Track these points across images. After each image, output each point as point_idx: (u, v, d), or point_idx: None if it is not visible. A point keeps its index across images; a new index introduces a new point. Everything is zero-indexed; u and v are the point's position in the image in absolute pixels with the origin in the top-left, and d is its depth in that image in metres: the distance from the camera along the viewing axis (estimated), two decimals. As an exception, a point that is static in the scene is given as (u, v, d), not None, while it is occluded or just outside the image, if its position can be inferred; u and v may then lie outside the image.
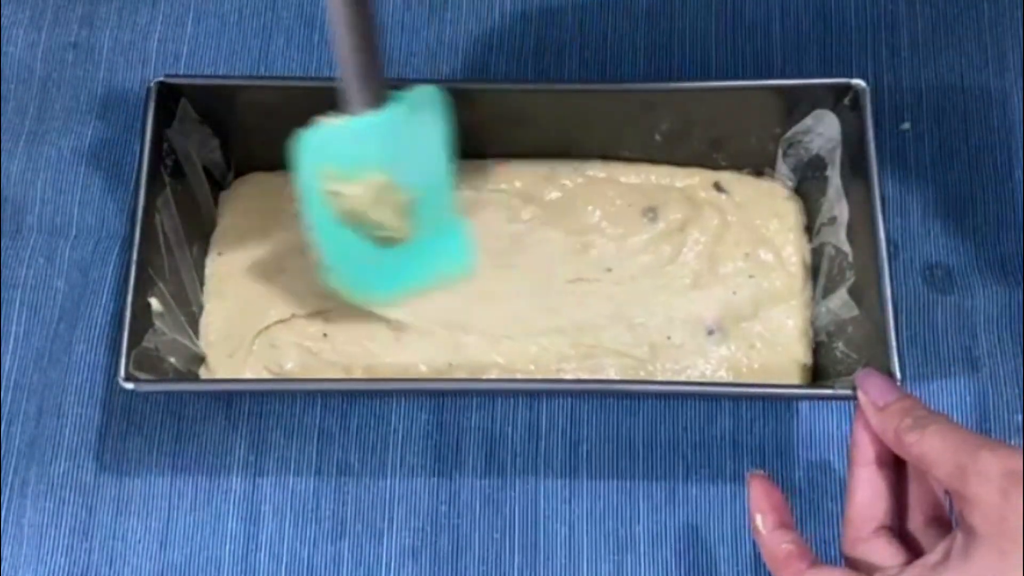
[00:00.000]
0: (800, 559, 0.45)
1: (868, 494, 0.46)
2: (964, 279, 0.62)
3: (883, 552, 0.45)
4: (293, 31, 0.68)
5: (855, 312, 0.55)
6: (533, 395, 0.60)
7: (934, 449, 0.42)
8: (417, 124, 0.51)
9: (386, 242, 0.53)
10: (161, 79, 0.55)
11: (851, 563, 0.46)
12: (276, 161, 0.62)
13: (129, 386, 0.51)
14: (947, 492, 0.46)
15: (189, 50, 0.67)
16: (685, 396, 0.60)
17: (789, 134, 0.60)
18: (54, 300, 0.61)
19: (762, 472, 0.49)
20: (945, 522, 0.46)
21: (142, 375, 0.52)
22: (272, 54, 0.67)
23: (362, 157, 0.50)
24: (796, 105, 0.58)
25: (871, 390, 0.47)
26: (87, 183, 0.64)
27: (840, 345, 0.56)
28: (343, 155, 0.50)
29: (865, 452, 0.47)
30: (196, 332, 0.59)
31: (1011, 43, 0.67)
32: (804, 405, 0.60)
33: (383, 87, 0.49)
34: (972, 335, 0.61)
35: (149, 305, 0.54)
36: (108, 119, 0.66)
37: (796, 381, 0.58)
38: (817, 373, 0.59)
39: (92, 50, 0.67)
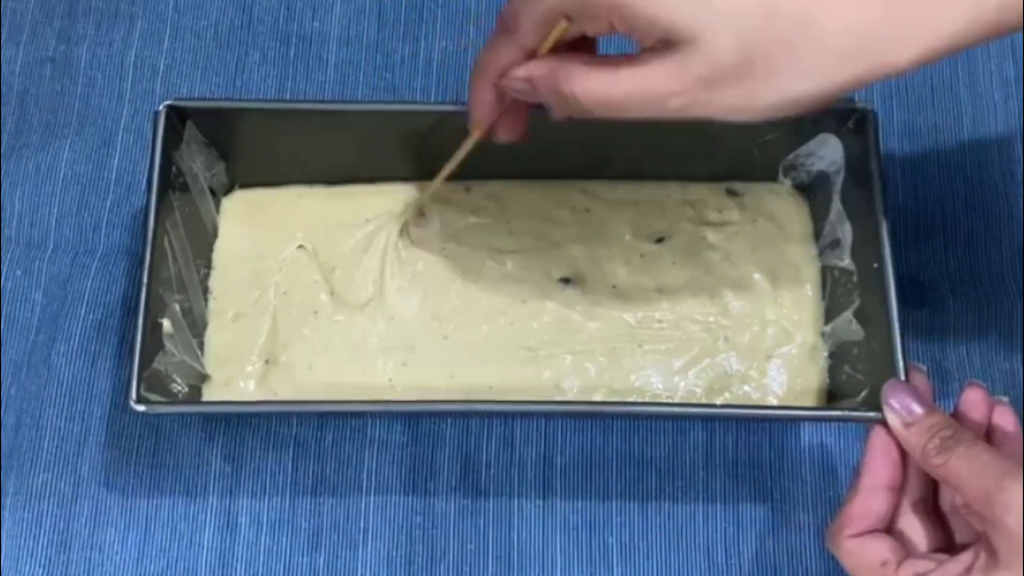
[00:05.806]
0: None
1: (868, 504, 0.47)
2: (962, 289, 0.62)
3: (876, 545, 0.46)
4: (268, 47, 0.68)
5: (860, 335, 0.55)
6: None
7: (959, 475, 0.43)
8: None
9: None
10: (169, 103, 0.55)
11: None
12: (276, 179, 0.62)
13: (141, 408, 0.51)
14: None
15: (166, 65, 0.67)
16: (686, 418, 0.59)
17: (791, 156, 0.59)
18: (32, 312, 0.62)
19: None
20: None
21: (153, 396, 0.52)
22: (248, 69, 0.67)
23: None
24: (800, 127, 0.57)
25: (896, 404, 0.47)
26: (64, 197, 0.64)
27: (845, 367, 0.56)
28: None
29: (877, 476, 0.47)
30: (203, 350, 0.59)
31: (1011, 43, 0.67)
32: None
33: None
34: (968, 347, 0.61)
35: (160, 326, 0.54)
36: (85, 134, 0.66)
37: (809, 403, 0.57)
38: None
39: (70, 65, 0.67)
